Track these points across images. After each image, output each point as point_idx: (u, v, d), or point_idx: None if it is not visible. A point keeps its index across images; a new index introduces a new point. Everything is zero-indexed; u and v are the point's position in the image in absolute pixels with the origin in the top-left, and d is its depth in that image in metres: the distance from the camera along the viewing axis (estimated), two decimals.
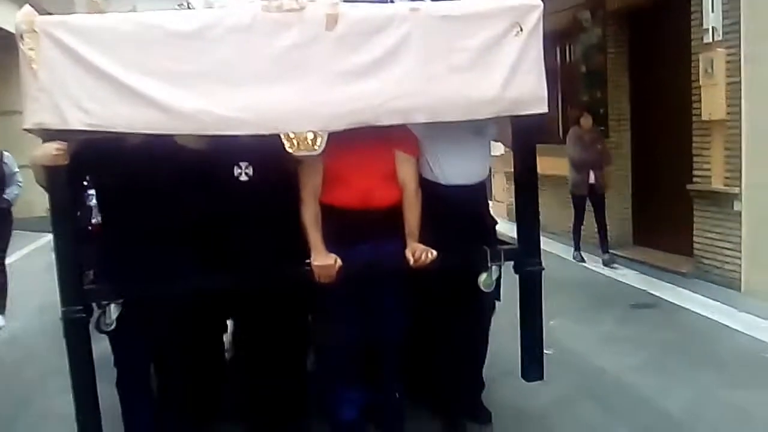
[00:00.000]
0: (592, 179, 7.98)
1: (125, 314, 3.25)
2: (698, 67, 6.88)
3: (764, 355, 4.85)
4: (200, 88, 3.02)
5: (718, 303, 6.05)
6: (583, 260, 8.19)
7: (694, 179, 7.12)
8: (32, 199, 9.74)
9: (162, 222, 3.35)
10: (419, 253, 3.38)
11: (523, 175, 3.50)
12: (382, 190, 3.52)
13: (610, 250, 8.08)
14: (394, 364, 3.86)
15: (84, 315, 3.15)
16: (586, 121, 8.05)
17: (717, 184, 6.76)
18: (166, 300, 3.39)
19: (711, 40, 6.70)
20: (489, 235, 3.75)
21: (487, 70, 3.20)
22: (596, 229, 8.14)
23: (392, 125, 3.21)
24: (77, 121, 2.98)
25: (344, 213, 3.49)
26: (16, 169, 6.67)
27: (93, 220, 3.94)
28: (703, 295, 6.38)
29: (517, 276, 3.55)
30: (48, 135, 3.05)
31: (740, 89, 6.42)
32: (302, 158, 3.32)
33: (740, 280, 6.51)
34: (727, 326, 5.52)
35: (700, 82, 6.86)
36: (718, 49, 6.62)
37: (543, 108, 3.27)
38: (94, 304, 3.22)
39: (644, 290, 6.86)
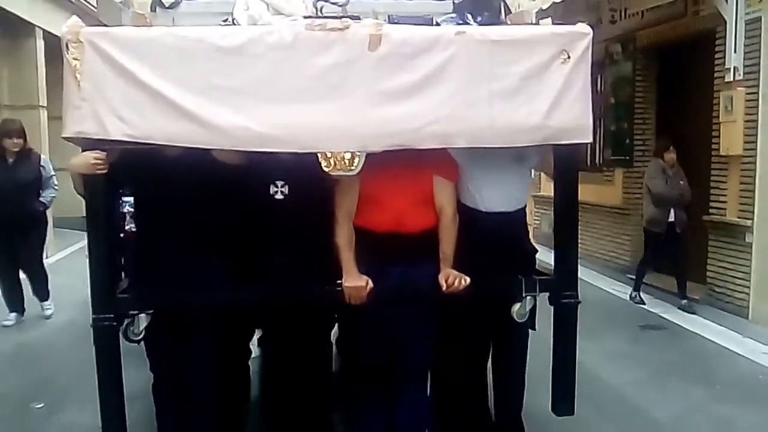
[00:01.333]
0: (671, 217, 7.28)
1: (155, 324, 3.26)
2: (719, 104, 7.15)
3: (760, 377, 5.15)
4: (239, 104, 3.01)
5: (725, 328, 6.37)
6: (642, 302, 7.54)
7: (711, 211, 7.42)
8: (78, 199, 10.15)
9: (195, 236, 3.35)
10: (452, 278, 3.31)
11: (564, 205, 3.42)
12: (417, 213, 3.46)
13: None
14: (421, 387, 3.78)
15: (114, 324, 3.16)
16: (671, 155, 7.34)
17: (731, 216, 7.04)
18: (196, 312, 3.38)
19: (732, 78, 6.93)
20: (528, 263, 3.67)
21: (531, 97, 3.13)
22: (674, 270, 7.55)
23: (432, 149, 3.16)
24: (117, 132, 3.00)
25: (377, 235, 3.44)
26: (53, 173, 6.81)
27: (126, 227, 3.95)
28: (711, 321, 6.70)
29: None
30: (87, 144, 3.07)
31: (757, 127, 6.69)
32: (338, 178, 3.29)
33: (748, 308, 6.75)
34: (729, 349, 5.83)
35: (720, 119, 7.14)
36: (739, 88, 6.88)
37: (588, 138, 3.19)
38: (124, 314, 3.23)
39: (655, 313, 7.17)
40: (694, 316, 6.97)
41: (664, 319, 6.96)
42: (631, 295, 7.69)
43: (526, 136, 3.16)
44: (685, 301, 7.25)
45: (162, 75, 3.00)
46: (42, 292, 7.05)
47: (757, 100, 6.69)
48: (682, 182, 7.28)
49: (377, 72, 3.06)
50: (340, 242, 3.42)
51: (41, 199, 6.69)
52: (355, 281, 3.32)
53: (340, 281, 3.34)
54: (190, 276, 3.34)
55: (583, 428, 3.25)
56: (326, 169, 3.16)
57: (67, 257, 10.25)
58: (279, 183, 3.42)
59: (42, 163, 6.72)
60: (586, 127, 3.19)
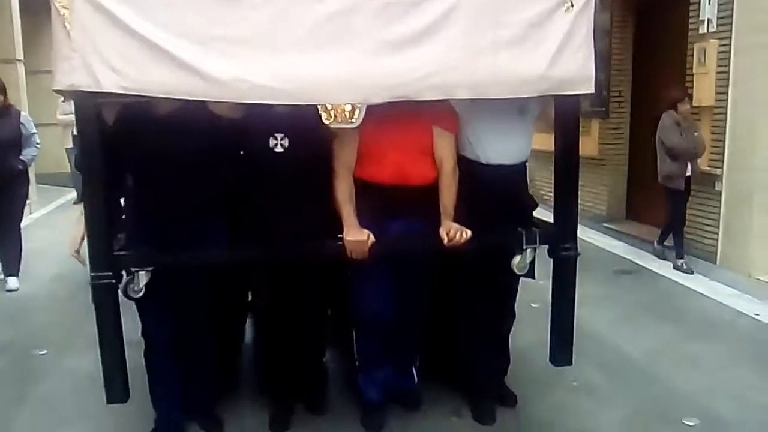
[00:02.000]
0: (689, 171, 6.96)
1: (155, 282, 3.20)
2: (693, 55, 7.33)
3: (725, 317, 5.42)
4: (237, 55, 2.91)
5: (700, 275, 6.70)
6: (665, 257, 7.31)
7: None
8: (60, 155, 10.00)
9: (193, 191, 3.29)
10: (454, 232, 3.29)
11: (564, 157, 3.39)
12: (418, 166, 3.43)
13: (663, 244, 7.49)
14: (414, 342, 3.84)
15: (113, 281, 3.10)
16: (686, 106, 6.97)
17: (703, 166, 7.16)
18: (196, 269, 3.34)
19: (705, 31, 7.13)
20: (527, 217, 3.65)
21: (534, 46, 3.06)
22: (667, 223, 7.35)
23: (433, 100, 3.10)
24: (111, 84, 2.89)
25: (378, 189, 3.41)
26: (34, 131, 6.59)
27: None
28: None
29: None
30: (80, 97, 2.97)
31: (728, 78, 6.86)
32: (338, 131, 3.23)
33: (716, 253, 7.06)
34: (697, 291, 6.20)
35: (694, 70, 7.31)
36: (711, 40, 7.06)
37: (590, 88, 3.14)
38: (123, 271, 3.17)
39: (629, 259, 7.49)
40: (666, 261, 7.23)
41: (637, 264, 7.27)
42: (654, 247, 7.46)
43: (529, 87, 3.11)
44: (682, 260, 7.00)
45: (156, 24, 2.87)
46: (13, 263, 6.57)
47: (729, 52, 6.85)
48: (696, 134, 7.00)
49: (379, 21, 2.98)
50: (339, 196, 3.38)
51: (22, 157, 6.45)
52: (356, 235, 3.28)
53: (341, 235, 3.31)
54: (188, 232, 3.29)
55: (562, 372, 3.50)
56: (326, 122, 3.09)
57: (48, 213, 10.32)
58: (279, 136, 3.36)
59: (22, 121, 6.46)
60: (588, 78, 3.15)
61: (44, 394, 4.23)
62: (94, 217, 3.05)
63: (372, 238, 3.27)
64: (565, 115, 3.35)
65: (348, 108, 3.09)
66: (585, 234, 8.30)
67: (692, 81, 7.34)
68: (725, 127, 6.89)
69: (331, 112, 3.09)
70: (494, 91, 3.09)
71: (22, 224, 6.87)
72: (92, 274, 3.06)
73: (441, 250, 3.31)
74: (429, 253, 3.48)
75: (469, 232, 3.29)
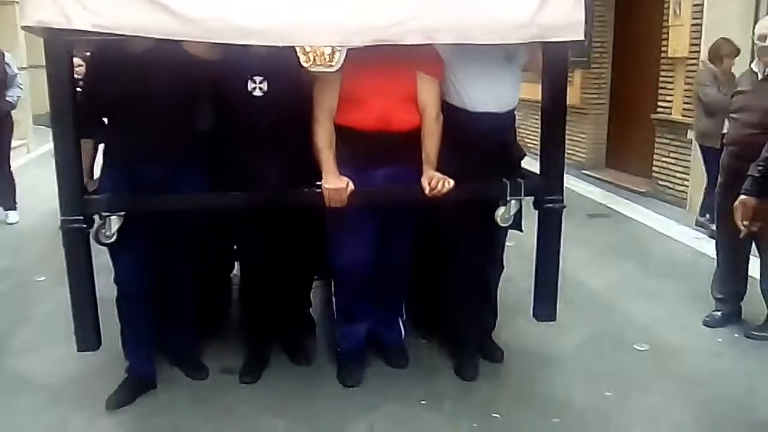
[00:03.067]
0: (725, 128, 5.92)
1: (128, 227, 3.13)
2: (669, 8, 7.63)
3: (687, 255, 5.79)
4: None
5: (664, 217, 7.07)
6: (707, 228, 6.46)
7: (658, 109, 7.99)
8: None
9: (168, 135, 3.19)
10: (436, 181, 3.20)
11: (551, 107, 3.27)
12: (401, 113, 3.32)
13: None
14: (397, 292, 3.79)
15: (84, 226, 3.02)
16: (731, 61, 6.35)
17: (676, 115, 7.61)
18: (171, 214, 3.26)
19: None
20: (513, 167, 3.54)
21: None
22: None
23: (417, 45, 2.97)
24: (81, 21, 2.77)
25: (359, 135, 3.31)
26: (17, 71, 6.54)
27: None
28: (653, 211, 7.36)
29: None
30: (49, 34, 2.86)
31: (701, 30, 7.14)
32: (318, 74, 3.13)
33: (687, 199, 7.43)
34: (665, 234, 6.53)
35: (669, 22, 7.64)
36: None
37: (580, 35, 3.01)
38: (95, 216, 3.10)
39: (604, 204, 7.83)
40: (638, 205, 7.64)
41: (611, 209, 7.59)
42: (697, 219, 6.79)
43: (516, 33, 2.98)
44: (705, 217, 6.43)
45: None
46: (9, 199, 6.83)
47: (703, 4, 7.13)
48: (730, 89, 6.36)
49: None
50: (319, 142, 3.29)
51: (7, 98, 6.42)
52: (335, 183, 3.20)
53: (320, 183, 3.22)
54: (162, 177, 3.21)
55: (528, 297, 3.54)
56: (305, 65, 2.99)
57: (44, 153, 10.44)
58: (257, 79, 3.25)
59: (6, 61, 6.41)
60: (578, 24, 3.01)
61: (43, 315, 4.50)
62: (64, 160, 2.97)
63: (351, 185, 3.18)
64: (553, 64, 3.23)
65: (327, 51, 2.99)
66: (565, 180, 8.44)
67: (668, 32, 7.67)
68: None
69: (310, 55, 2.99)
70: (479, 36, 2.97)
71: (18, 163, 6.99)
72: (62, 218, 2.99)
73: (423, 199, 3.23)
74: (410, 201, 3.39)
75: (452, 182, 3.20)
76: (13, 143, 7.08)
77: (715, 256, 4.48)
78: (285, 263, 3.60)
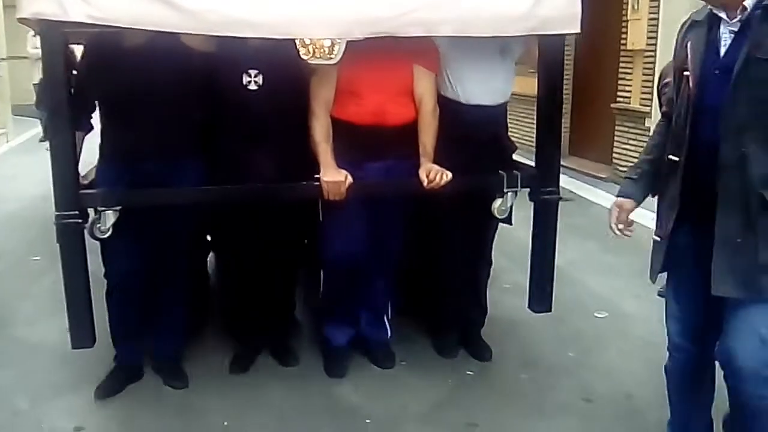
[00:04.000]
0: None
1: (123, 221, 3.09)
2: (628, 3, 8.09)
3: (643, 236, 5.79)
4: None
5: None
6: None
7: (618, 99, 8.44)
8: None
9: (163, 128, 3.15)
10: (434, 174, 3.20)
11: (547, 99, 3.29)
12: (398, 106, 3.32)
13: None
14: (385, 288, 3.76)
15: (79, 221, 2.97)
16: None
17: (634, 104, 8.04)
18: (165, 210, 3.23)
19: None
20: (506, 159, 3.56)
21: None
22: None
23: (413, 37, 2.97)
24: (78, 13, 2.73)
25: (356, 128, 3.30)
26: None
27: None
28: (613, 194, 7.56)
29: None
30: (45, 27, 2.81)
31: (658, 24, 7.62)
32: (316, 67, 3.12)
33: None
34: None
35: (628, 16, 8.11)
36: None
37: (576, 28, 3.05)
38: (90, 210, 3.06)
39: (568, 189, 7.72)
40: (600, 190, 7.92)
41: (575, 194, 7.66)
42: None
43: (513, 26, 3.00)
44: None
45: None
46: None
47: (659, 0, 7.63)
48: None
49: None
50: (316, 135, 3.27)
51: None
52: (333, 176, 3.18)
53: (317, 176, 3.21)
54: (157, 171, 3.17)
55: (497, 272, 3.89)
56: (305, 57, 2.98)
57: (24, 142, 10.84)
58: (252, 72, 3.23)
59: None
60: (575, 17, 3.05)
61: (42, 291, 4.67)
62: (59, 154, 2.91)
63: (350, 178, 3.18)
64: (549, 56, 3.25)
65: (327, 44, 2.97)
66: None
67: (627, 26, 8.11)
68: (654, 68, 7.43)
69: (310, 48, 2.98)
70: (478, 29, 2.98)
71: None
72: (57, 213, 2.94)
73: (420, 192, 3.24)
74: (407, 194, 3.40)
75: (450, 174, 3.20)
76: None
77: None
78: (271, 258, 3.57)
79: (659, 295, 4.42)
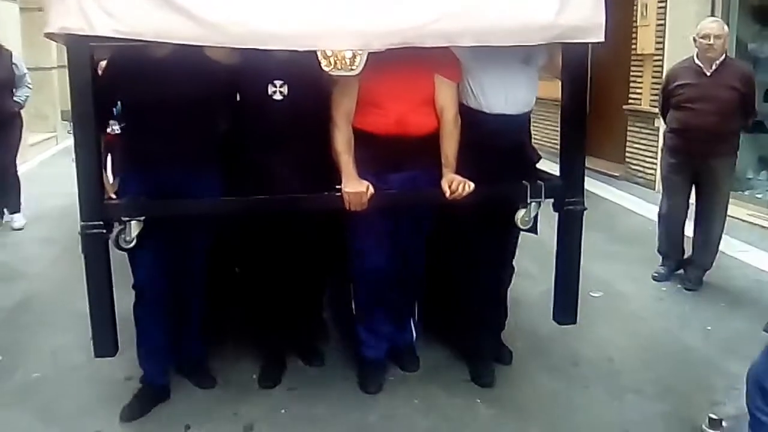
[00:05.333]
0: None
1: (148, 230, 3.12)
2: (638, 10, 8.51)
3: (649, 228, 6.07)
4: None
5: (634, 197, 7.80)
6: None
7: (629, 101, 8.88)
8: None
9: (187, 139, 3.19)
10: (456, 184, 3.19)
11: (571, 108, 3.27)
12: (419, 116, 3.32)
13: None
14: (412, 294, 3.77)
15: (104, 231, 3.00)
16: None
17: (645, 105, 8.42)
18: (190, 219, 3.26)
19: None
20: (530, 169, 3.53)
21: None
22: None
23: (435, 47, 2.96)
24: (104, 27, 2.77)
25: (377, 139, 3.30)
26: (26, 71, 6.50)
27: (108, 129, 3.75)
28: (625, 192, 8.19)
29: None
30: (71, 41, 2.85)
31: (665, 29, 8.12)
32: (338, 78, 3.13)
33: (655, 181, 7.95)
34: (633, 211, 7.26)
35: (638, 23, 8.55)
36: None
37: (600, 37, 3.01)
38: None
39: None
40: (612, 188, 8.36)
41: (588, 191, 7.77)
42: None
43: (536, 34, 2.97)
44: None
45: None
46: (13, 201, 6.72)
47: (666, 6, 8.10)
48: None
49: None
50: (338, 146, 3.28)
51: (15, 98, 6.39)
52: (355, 186, 3.18)
53: (339, 186, 3.21)
54: (182, 181, 3.20)
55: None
56: (326, 69, 2.98)
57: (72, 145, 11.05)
58: (278, 83, 3.25)
59: (14, 61, 6.39)
60: (599, 25, 3.01)
61: None
62: (85, 165, 2.95)
63: (371, 189, 3.17)
64: (573, 65, 3.23)
65: (348, 55, 2.97)
66: (549, 167, 9.06)
67: (636, 32, 8.54)
68: (662, 72, 7.57)
69: (331, 59, 2.97)
70: (499, 38, 2.96)
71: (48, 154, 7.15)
72: (82, 223, 2.97)
73: (442, 202, 3.22)
74: (430, 205, 3.39)
75: (472, 185, 3.19)
76: (43, 135, 7.05)
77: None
78: (297, 266, 3.59)
79: (654, 278, 5.14)
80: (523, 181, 3.30)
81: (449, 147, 3.33)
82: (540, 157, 3.65)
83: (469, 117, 3.39)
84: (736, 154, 5.03)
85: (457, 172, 3.29)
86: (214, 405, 3.48)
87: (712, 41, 4.70)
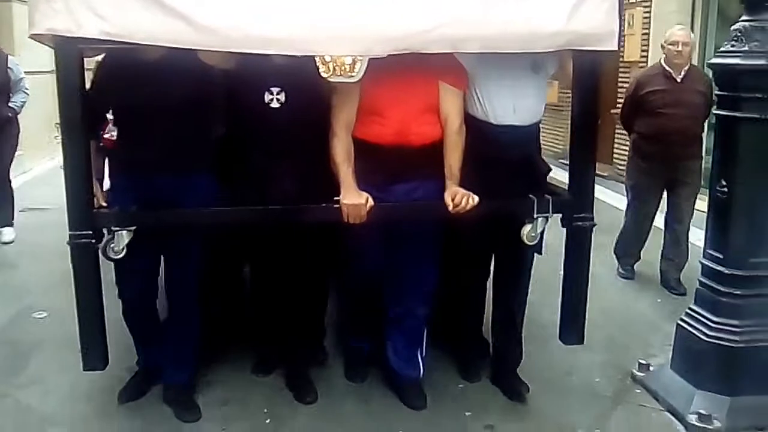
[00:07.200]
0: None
1: (137, 241, 3.00)
2: (624, 19, 8.24)
3: None
4: (230, 1, 2.68)
5: (620, 195, 7.47)
6: None
7: (617, 105, 8.76)
8: None
9: (179, 146, 3.08)
10: (460, 197, 3.04)
11: (582, 119, 3.13)
12: (422, 125, 3.18)
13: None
14: (418, 322, 3.55)
15: (93, 241, 2.90)
16: None
17: None
18: (183, 229, 3.15)
19: (633, 0, 9.29)
20: (539, 182, 3.38)
21: None
22: None
23: (439, 54, 2.83)
24: (93, 29, 2.66)
25: (378, 149, 3.18)
26: (23, 75, 6.23)
27: (107, 135, 3.65)
28: (612, 190, 8.30)
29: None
30: (60, 43, 2.74)
31: (649, 38, 8.88)
32: (337, 85, 3.00)
33: None
34: (617, 207, 7.24)
35: (625, 32, 8.82)
36: (637, 8, 9.28)
37: (613, 44, 2.86)
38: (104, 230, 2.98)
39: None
40: (601, 186, 8.30)
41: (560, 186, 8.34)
42: None
43: (545, 41, 2.84)
44: None
45: None
46: (4, 214, 6.35)
47: (650, 17, 8.89)
48: None
49: None
50: (337, 156, 3.15)
51: (10, 104, 6.13)
52: (354, 198, 3.05)
53: (337, 198, 3.08)
54: (175, 190, 3.09)
55: None
56: (324, 75, 2.86)
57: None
58: (275, 90, 3.13)
59: (10, 65, 6.13)
60: (612, 33, 2.86)
61: None
62: (73, 172, 2.86)
63: (371, 201, 3.04)
64: (584, 74, 3.08)
65: (348, 61, 2.86)
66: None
67: (624, 40, 8.82)
68: None
69: (330, 65, 2.87)
70: (507, 45, 2.84)
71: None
72: (70, 232, 2.87)
73: (445, 216, 3.09)
74: (432, 219, 3.25)
75: (476, 198, 3.04)
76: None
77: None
78: (294, 278, 3.44)
79: (624, 277, 5.51)
80: (530, 195, 3.16)
81: (453, 158, 3.19)
82: (550, 170, 3.50)
83: (475, 128, 3.25)
84: (702, 155, 5.30)
85: (463, 185, 3.15)
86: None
87: (680, 48, 4.92)
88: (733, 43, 3.32)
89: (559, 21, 2.80)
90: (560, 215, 3.20)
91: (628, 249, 5.52)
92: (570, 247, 3.24)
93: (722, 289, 3.38)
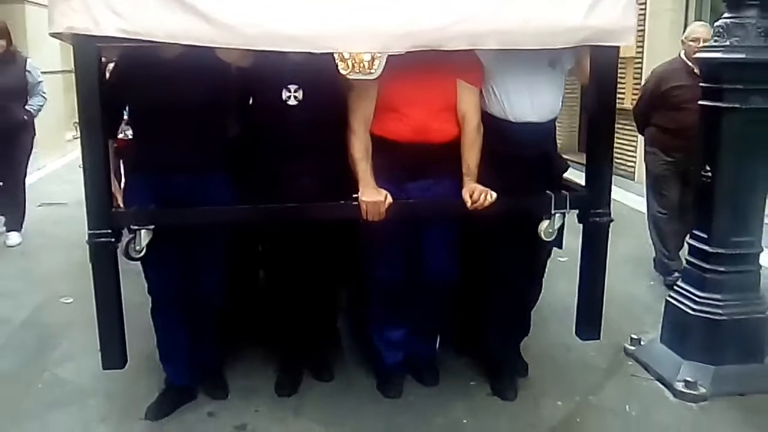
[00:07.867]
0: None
1: (159, 238, 3.01)
2: None
3: (622, 212, 6.44)
4: None
5: (617, 187, 8.05)
6: None
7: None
8: None
9: (198, 144, 3.07)
10: (478, 194, 3.04)
11: (599, 115, 3.12)
12: (440, 122, 3.18)
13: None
14: (437, 308, 3.58)
15: (112, 240, 2.90)
16: None
17: (627, 104, 8.70)
18: (201, 227, 3.15)
19: None
20: (556, 179, 3.38)
21: None
22: None
23: (456, 50, 2.82)
24: (111, 27, 2.66)
25: (396, 146, 3.17)
26: (41, 78, 6.21)
27: (120, 135, 3.65)
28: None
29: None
30: (78, 41, 2.74)
31: (644, 34, 8.99)
32: (356, 82, 3.00)
33: (635, 172, 9.09)
34: (615, 200, 7.16)
35: None
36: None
37: (630, 40, 2.88)
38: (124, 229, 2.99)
39: (575, 180, 9.02)
40: None
41: (578, 183, 8.47)
42: None
43: (563, 37, 2.84)
44: None
45: None
46: (14, 218, 6.31)
47: (645, 15, 8.87)
48: None
49: None
50: (355, 153, 3.15)
51: (28, 107, 6.11)
52: (372, 195, 3.05)
53: (356, 195, 3.08)
54: (193, 188, 3.09)
55: None
56: (343, 72, 2.86)
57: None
58: (292, 87, 3.12)
59: (28, 68, 6.11)
60: (629, 28, 2.87)
61: None
62: (92, 171, 2.85)
63: (389, 198, 3.04)
64: (601, 70, 3.07)
65: (367, 58, 2.86)
66: None
67: None
68: (642, 73, 8.65)
69: (349, 62, 2.87)
70: (525, 41, 2.83)
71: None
72: (90, 231, 2.87)
73: (463, 212, 3.09)
74: (450, 215, 3.25)
75: (494, 195, 3.04)
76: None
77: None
78: (312, 271, 3.47)
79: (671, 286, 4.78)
80: (547, 192, 3.16)
81: (471, 156, 3.19)
82: (568, 166, 3.51)
83: (493, 125, 3.25)
84: None
85: (481, 182, 3.15)
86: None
87: (701, 44, 4.84)
88: (716, 38, 3.59)
89: (577, 17, 2.81)
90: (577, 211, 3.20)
91: (662, 250, 5.37)
92: (587, 243, 3.24)
93: (707, 266, 3.66)
